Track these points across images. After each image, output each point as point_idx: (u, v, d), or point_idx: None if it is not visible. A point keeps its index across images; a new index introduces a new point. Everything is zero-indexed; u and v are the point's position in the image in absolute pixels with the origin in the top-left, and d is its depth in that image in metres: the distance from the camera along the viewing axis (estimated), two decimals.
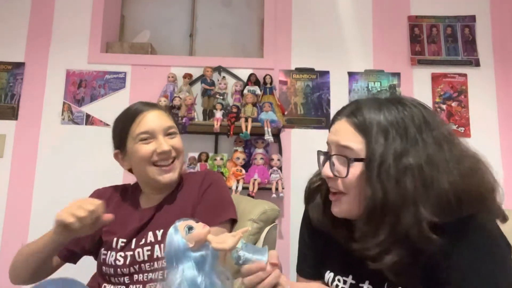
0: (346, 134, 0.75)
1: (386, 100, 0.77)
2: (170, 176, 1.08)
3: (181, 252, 0.70)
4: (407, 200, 0.67)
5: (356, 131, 0.74)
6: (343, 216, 0.78)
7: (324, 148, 0.92)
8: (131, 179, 1.22)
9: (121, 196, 1.17)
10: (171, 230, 0.72)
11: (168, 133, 1.10)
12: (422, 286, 0.69)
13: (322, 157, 0.83)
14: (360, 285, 0.79)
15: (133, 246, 1.04)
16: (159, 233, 1.04)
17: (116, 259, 1.03)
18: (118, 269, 1.02)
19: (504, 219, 0.72)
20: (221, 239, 0.70)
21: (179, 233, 0.71)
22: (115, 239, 1.06)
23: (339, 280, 0.83)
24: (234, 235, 0.70)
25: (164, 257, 0.71)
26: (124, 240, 1.05)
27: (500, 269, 0.66)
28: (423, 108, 0.75)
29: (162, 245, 1.01)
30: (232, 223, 1.10)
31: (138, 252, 1.02)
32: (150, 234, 1.04)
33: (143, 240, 1.04)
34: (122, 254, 1.03)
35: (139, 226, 1.06)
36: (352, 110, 0.77)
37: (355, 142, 0.74)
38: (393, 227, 0.68)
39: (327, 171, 0.77)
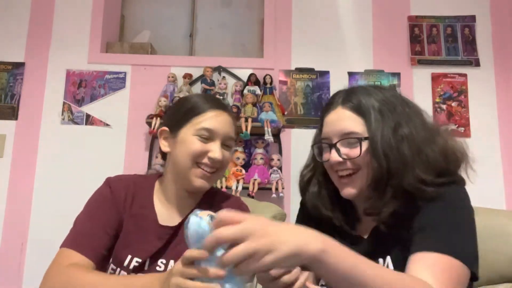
0: (347, 120, 0.83)
1: (367, 86, 0.87)
2: (203, 183, 0.99)
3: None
4: (406, 164, 0.78)
5: (355, 115, 0.83)
6: (355, 195, 0.84)
7: None
8: None
9: (134, 195, 1.03)
10: (194, 218, 0.64)
11: (226, 144, 1.02)
12: (407, 236, 0.77)
13: (316, 149, 0.90)
14: None
15: (146, 268, 0.96)
16: None
17: None
18: None
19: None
20: None
21: (204, 221, 0.64)
22: (128, 257, 0.96)
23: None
24: None
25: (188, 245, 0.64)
26: (139, 261, 0.96)
27: (468, 223, 0.77)
28: (395, 90, 0.90)
29: None
30: None
31: None
32: (172, 263, 0.96)
33: (163, 267, 0.96)
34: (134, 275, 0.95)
35: (158, 248, 0.97)
36: (344, 97, 0.86)
37: (357, 125, 0.82)
38: (396, 187, 0.78)
39: (335, 157, 0.83)
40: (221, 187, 2.19)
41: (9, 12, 2.56)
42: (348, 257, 0.59)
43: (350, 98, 0.85)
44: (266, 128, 2.20)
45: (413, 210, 0.78)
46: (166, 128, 1.04)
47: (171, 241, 0.99)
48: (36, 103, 2.47)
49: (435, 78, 2.48)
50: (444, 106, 2.45)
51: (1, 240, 2.35)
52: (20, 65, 2.50)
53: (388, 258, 0.80)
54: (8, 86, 2.49)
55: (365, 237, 0.88)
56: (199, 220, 0.62)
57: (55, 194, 2.36)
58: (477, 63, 2.49)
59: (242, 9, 2.84)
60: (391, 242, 0.80)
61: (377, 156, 0.79)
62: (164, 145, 1.04)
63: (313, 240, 0.56)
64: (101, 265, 0.97)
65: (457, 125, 2.42)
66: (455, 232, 0.73)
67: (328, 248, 0.56)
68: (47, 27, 2.55)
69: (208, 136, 0.99)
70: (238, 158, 2.28)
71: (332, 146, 0.83)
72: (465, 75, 2.48)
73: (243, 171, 2.25)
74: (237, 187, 2.19)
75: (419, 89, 2.47)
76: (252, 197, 2.13)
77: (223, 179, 2.21)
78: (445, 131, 0.87)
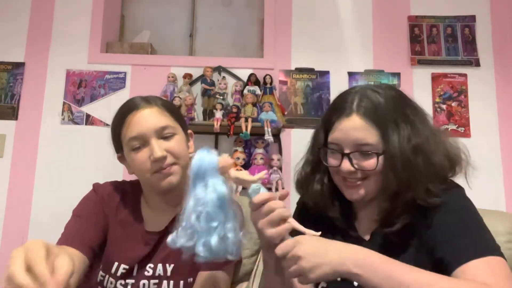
0: (362, 131, 0.80)
1: (378, 88, 0.85)
2: (168, 181, 0.94)
3: (213, 169, 0.71)
4: (420, 177, 0.78)
5: (370, 125, 0.80)
6: (361, 199, 0.85)
7: None
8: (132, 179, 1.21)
9: (121, 201, 1.03)
10: (202, 151, 0.72)
11: (163, 135, 0.95)
12: (414, 247, 0.80)
13: (322, 152, 0.87)
14: None
15: (135, 274, 0.96)
16: (169, 268, 0.95)
17: (115, 287, 0.94)
18: None
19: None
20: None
21: (212, 154, 0.72)
22: (115, 264, 0.95)
23: None
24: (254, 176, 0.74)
25: (191, 175, 0.72)
26: (126, 267, 0.95)
27: (478, 219, 0.79)
28: (402, 92, 0.87)
29: (171, 281, 0.94)
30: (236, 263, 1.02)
31: (144, 284, 0.94)
32: (160, 266, 0.95)
33: (151, 271, 0.95)
34: (123, 282, 0.95)
35: (145, 254, 0.96)
36: (360, 104, 0.82)
37: (372, 136, 0.80)
38: (409, 199, 0.78)
39: (347, 166, 0.81)
40: None
41: (9, 12, 2.56)
42: (384, 268, 0.67)
43: (365, 105, 0.81)
44: (266, 128, 2.20)
45: (420, 216, 0.79)
46: (119, 154, 1.03)
47: (158, 246, 0.98)
48: (36, 103, 2.47)
49: (435, 78, 2.48)
50: (444, 106, 2.45)
51: (1, 240, 2.35)
52: (20, 65, 2.50)
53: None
54: (8, 86, 2.49)
55: (366, 239, 0.88)
56: (207, 152, 0.72)
57: (55, 194, 2.36)
58: (477, 63, 2.48)
59: (242, 9, 2.84)
60: (399, 246, 0.80)
61: (394, 169, 0.78)
62: (127, 169, 1.02)
63: (351, 258, 0.67)
64: (92, 266, 0.96)
65: (457, 125, 2.42)
66: (479, 233, 0.76)
67: (362, 261, 0.67)
68: (47, 27, 2.55)
69: (139, 143, 0.93)
70: (238, 158, 2.28)
71: (345, 155, 0.82)
72: (465, 75, 2.48)
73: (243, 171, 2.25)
74: (237, 187, 2.19)
75: (419, 89, 2.47)
76: None
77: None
78: (446, 133, 0.88)
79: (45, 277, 0.53)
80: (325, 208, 0.89)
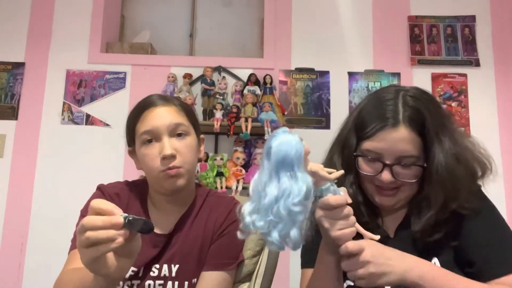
0: (409, 144, 0.80)
1: (422, 97, 0.84)
2: (174, 182, 0.93)
3: (300, 158, 0.65)
4: (461, 187, 0.79)
5: (416, 138, 0.80)
6: (391, 207, 0.87)
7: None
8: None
9: (129, 202, 1.02)
10: (286, 135, 0.66)
11: (177, 133, 0.94)
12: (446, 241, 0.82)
13: (366, 161, 0.85)
14: None
15: (141, 274, 0.95)
16: (174, 269, 0.95)
17: None
18: None
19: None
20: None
21: (296, 138, 0.66)
22: None
23: None
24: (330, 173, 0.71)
25: (273, 161, 0.65)
26: (135, 270, 0.94)
27: (507, 228, 0.82)
28: (438, 103, 0.89)
29: (176, 282, 0.95)
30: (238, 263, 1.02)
31: (149, 285, 0.94)
32: (165, 267, 0.95)
33: (156, 272, 0.95)
34: (129, 283, 0.94)
35: (153, 256, 0.96)
36: (410, 116, 0.80)
37: (417, 147, 0.80)
38: (451, 209, 0.80)
39: (389, 177, 0.81)
40: (221, 187, 2.19)
41: (9, 12, 2.56)
42: (445, 281, 0.71)
43: (411, 116, 0.80)
44: (266, 128, 2.20)
45: (453, 220, 0.81)
46: (129, 148, 1.02)
47: (166, 247, 0.98)
48: (36, 103, 2.47)
49: (435, 78, 2.48)
50: (444, 106, 2.45)
51: (1, 240, 2.35)
52: (20, 65, 2.50)
53: (436, 260, 0.83)
54: (8, 86, 2.49)
55: (391, 236, 0.89)
56: (292, 137, 0.66)
57: (55, 194, 2.36)
58: (477, 63, 2.49)
59: (242, 9, 2.84)
60: (424, 243, 0.82)
61: (441, 182, 0.79)
62: (136, 163, 1.01)
63: (414, 268, 0.72)
64: None
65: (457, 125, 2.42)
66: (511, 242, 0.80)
67: (426, 274, 0.71)
68: (47, 27, 2.55)
69: (150, 137, 0.93)
70: (238, 158, 2.28)
71: (387, 166, 0.81)
72: (465, 75, 2.48)
73: (243, 171, 2.25)
74: (237, 187, 2.19)
75: None
76: None
77: (223, 179, 2.21)
78: (471, 138, 0.88)
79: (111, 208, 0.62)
80: (353, 211, 0.88)
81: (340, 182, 0.80)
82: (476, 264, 0.77)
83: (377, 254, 0.71)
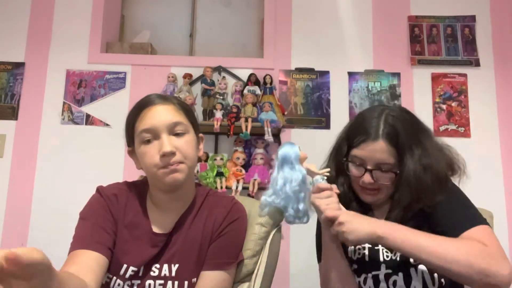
0: (386, 154, 0.99)
1: (399, 114, 1.03)
2: (174, 177, 0.93)
3: (297, 157, 1.00)
4: (428, 191, 0.97)
5: (392, 150, 0.99)
6: (373, 203, 1.07)
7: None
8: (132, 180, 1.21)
9: (128, 203, 1.03)
10: (289, 144, 1.03)
11: (175, 132, 0.96)
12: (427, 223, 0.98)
13: (346, 163, 1.06)
14: (376, 247, 1.06)
15: (141, 274, 0.96)
16: (174, 268, 0.97)
17: None
18: None
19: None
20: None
21: (296, 146, 1.02)
22: (124, 266, 0.95)
23: (359, 248, 1.09)
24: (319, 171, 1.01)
25: (279, 160, 1.02)
26: (135, 269, 0.95)
27: (467, 201, 1.00)
28: (414, 115, 1.07)
29: (176, 282, 0.96)
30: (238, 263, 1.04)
31: (150, 284, 0.95)
32: (166, 267, 0.96)
33: (156, 272, 0.96)
34: (129, 283, 0.95)
35: (153, 256, 0.97)
36: (388, 132, 0.99)
37: (392, 158, 1.00)
38: (418, 207, 0.98)
39: (369, 179, 1.01)
40: (221, 187, 2.19)
41: (9, 12, 2.56)
42: (404, 237, 0.88)
43: (389, 132, 0.99)
44: (266, 128, 2.20)
45: (425, 212, 0.99)
46: (129, 148, 1.03)
47: (165, 247, 0.99)
48: (36, 103, 2.47)
49: (435, 78, 2.48)
50: (444, 106, 2.45)
51: (1, 240, 2.35)
52: (20, 65, 2.50)
53: None
54: (8, 86, 2.49)
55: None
56: (292, 145, 1.03)
57: (55, 194, 2.36)
58: (477, 63, 2.48)
59: (242, 9, 2.84)
60: (410, 225, 0.96)
61: (408, 186, 0.97)
62: (136, 163, 1.02)
63: (376, 228, 0.89)
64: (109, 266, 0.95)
65: (457, 125, 2.42)
66: (470, 209, 0.98)
67: (386, 234, 0.88)
68: (47, 27, 2.55)
69: (150, 136, 0.94)
70: (238, 158, 2.28)
71: (368, 170, 1.01)
72: (465, 75, 2.48)
73: (243, 171, 2.25)
74: (237, 187, 2.19)
75: (419, 89, 2.47)
76: (252, 197, 2.13)
77: (223, 179, 2.21)
78: (447, 146, 1.07)
79: None
80: (346, 205, 1.04)
81: (331, 181, 1.05)
82: (445, 232, 0.92)
83: (349, 218, 0.91)
